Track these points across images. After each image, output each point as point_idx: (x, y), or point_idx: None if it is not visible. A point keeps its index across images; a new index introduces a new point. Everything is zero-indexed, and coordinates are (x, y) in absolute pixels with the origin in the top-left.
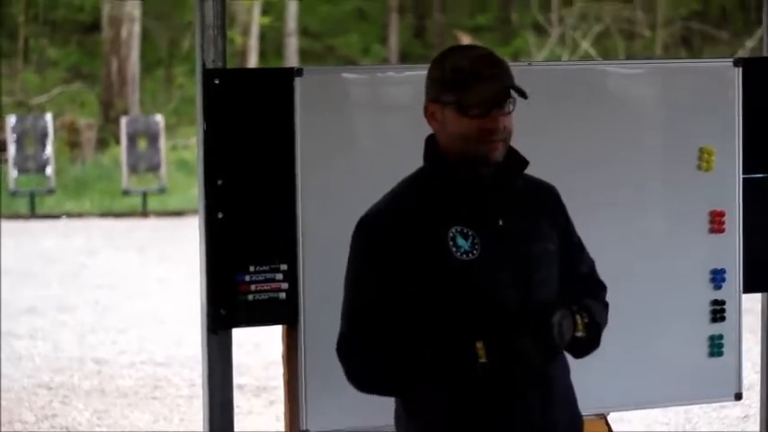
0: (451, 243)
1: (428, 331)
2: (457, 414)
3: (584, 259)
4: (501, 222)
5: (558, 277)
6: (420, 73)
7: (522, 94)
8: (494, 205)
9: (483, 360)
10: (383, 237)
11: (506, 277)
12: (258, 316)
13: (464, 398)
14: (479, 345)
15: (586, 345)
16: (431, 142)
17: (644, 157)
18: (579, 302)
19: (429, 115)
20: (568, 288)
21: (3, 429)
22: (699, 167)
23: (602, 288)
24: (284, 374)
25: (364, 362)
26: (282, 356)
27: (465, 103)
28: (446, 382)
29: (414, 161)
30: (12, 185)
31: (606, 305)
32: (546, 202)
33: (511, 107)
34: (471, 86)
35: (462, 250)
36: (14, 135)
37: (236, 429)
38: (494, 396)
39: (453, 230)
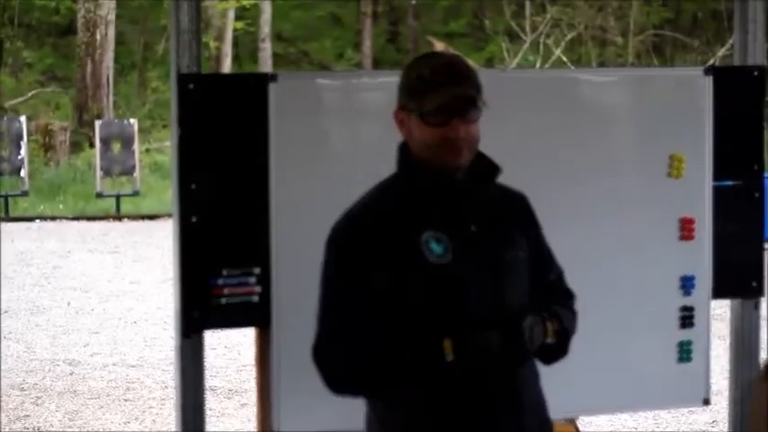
0: (425, 247)
1: (399, 332)
2: (426, 416)
3: (554, 267)
4: (473, 228)
5: (528, 284)
6: (394, 79)
7: (477, 105)
8: (466, 211)
9: (450, 357)
10: (357, 241)
11: (478, 282)
12: (231, 319)
13: (433, 400)
14: (447, 343)
15: (555, 351)
16: (403, 149)
17: (615, 164)
18: (549, 310)
19: (398, 122)
20: (538, 295)
21: None
22: (669, 174)
23: (570, 296)
24: (257, 376)
25: (339, 364)
26: (255, 359)
27: (425, 111)
28: (415, 380)
29: (387, 167)
30: None
31: (575, 313)
32: (517, 209)
33: (476, 115)
34: (429, 95)
35: (436, 254)
36: None
37: (207, 431)
38: (463, 399)
39: (426, 235)
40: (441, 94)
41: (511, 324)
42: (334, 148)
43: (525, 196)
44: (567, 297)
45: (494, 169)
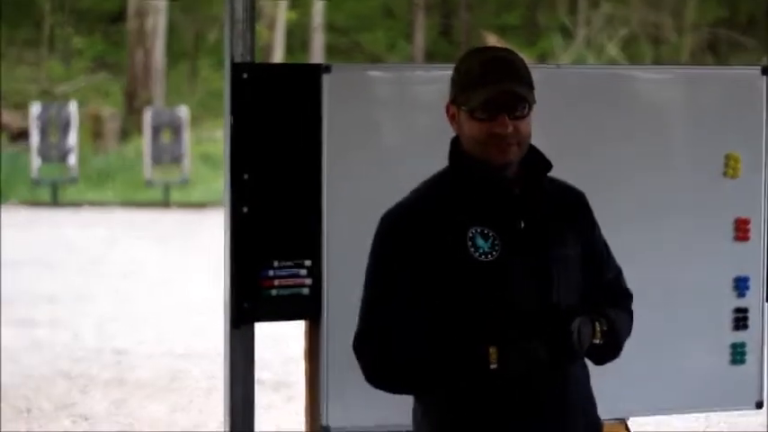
0: (470, 243)
1: (443, 331)
2: (469, 414)
3: (611, 267)
4: (522, 225)
5: (579, 284)
6: (446, 73)
7: (526, 101)
8: (516, 207)
9: (494, 366)
10: (403, 233)
11: (524, 281)
12: (281, 311)
13: (476, 399)
14: (492, 350)
15: (605, 352)
16: (455, 143)
17: (670, 164)
18: (600, 310)
19: (450, 116)
20: (593, 295)
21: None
22: (725, 174)
23: (627, 296)
24: (306, 370)
25: (381, 359)
26: (304, 352)
27: (472, 105)
28: (457, 383)
29: (440, 160)
30: (34, 174)
31: (631, 314)
32: (572, 207)
33: (524, 111)
34: (477, 89)
35: (481, 251)
36: (38, 123)
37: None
38: (507, 398)
39: (473, 230)
40: (488, 89)
41: (558, 327)
42: (387, 140)
43: (582, 194)
44: (623, 297)
45: (545, 165)
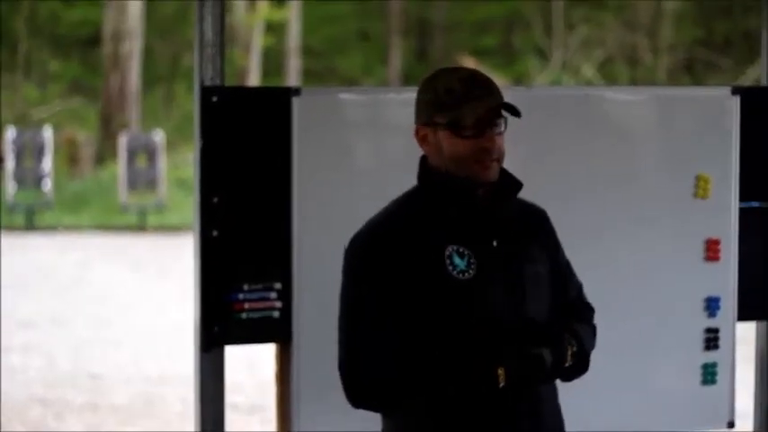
0: (448, 262)
1: (432, 350)
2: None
3: (573, 282)
4: (495, 243)
5: (549, 300)
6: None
7: (515, 112)
8: (488, 226)
9: (502, 384)
10: (378, 253)
11: (502, 298)
12: (251, 334)
13: (455, 416)
14: (501, 371)
15: (573, 371)
16: (425, 163)
17: (640, 184)
18: (570, 328)
19: (420, 138)
20: (558, 311)
21: None
22: (695, 195)
23: (590, 310)
24: (276, 392)
25: (365, 382)
26: (275, 375)
27: (459, 123)
28: (462, 401)
29: (410, 182)
30: (10, 199)
31: (594, 328)
32: (537, 225)
33: (503, 127)
34: (464, 107)
35: (459, 269)
36: (14, 148)
37: None
38: (484, 415)
39: (450, 249)
40: (475, 105)
41: (557, 342)
42: (358, 163)
43: (544, 211)
44: (586, 311)
45: (516, 185)
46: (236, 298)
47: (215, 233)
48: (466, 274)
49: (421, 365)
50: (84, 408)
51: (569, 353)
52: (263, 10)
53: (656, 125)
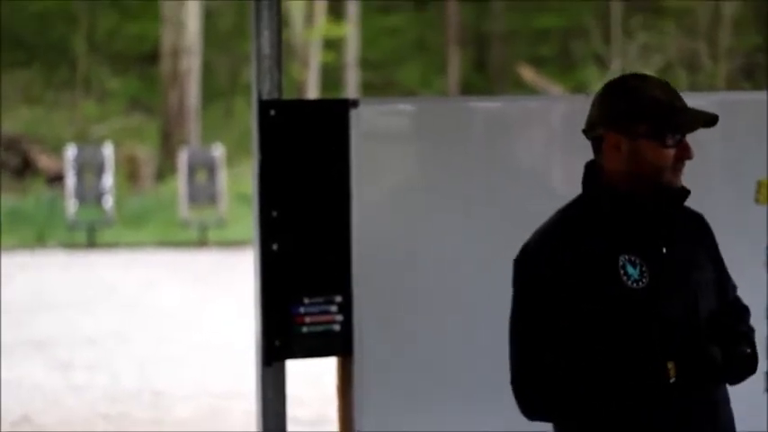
0: (622, 272)
1: (612, 355)
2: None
3: (731, 284)
4: (665, 251)
5: (716, 304)
6: (478, 105)
7: (715, 121)
8: (657, 233)
9: (673, 379)
10: (552, 263)
11: (675, 306)
12: (312, 347)
13: (630, 418)
14: (671, 365)
15: (743, 372)
16: (593, 170)
17: (701, 189)
18: (738, 329)
19: (610, 146)
20: (724, 313)
21: None
22: (756, 200)
23: (747, 312)
24: (338, 406)
25: (542, 392)
26: (337, 388)
27: (665, 132)
28: (636, 402)
29: (470, 192)
30: (71, 216)
31: (753, 329)
32: (699, 230)
33: None
34: (670, 116)
35: (633, 279)
36: (74, 165)
37: None
38: (658, 417)
39: (623, 259)
40: (680, 114)
41: (726, 338)
42: (415, 174)
43: (702, 215)
44: (744, 312)
45: (684, 192)
46: (297, 311)
47: (275, 247)
48: (640, 283)
49: (595, 372)
50: (147, 423)
51: (739, 353)
52: (322, 26)
53: (716, 130)
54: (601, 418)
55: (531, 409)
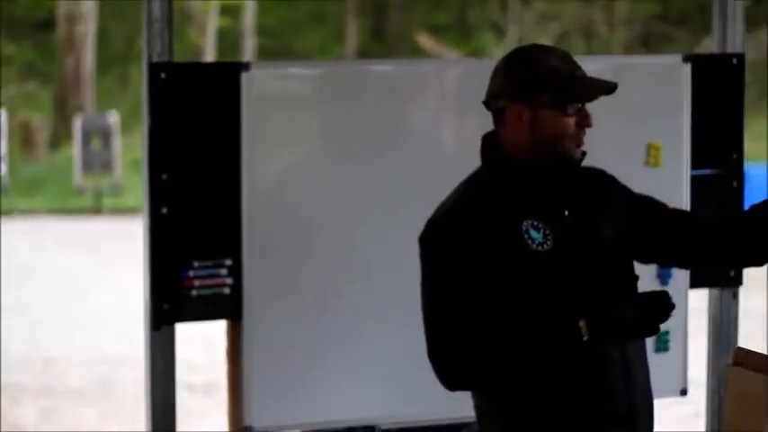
0: (526, 236)
1: (524, 319)
2: (554, 396)
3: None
4: (567, 213)
5: (631, 259)
6: (372, 68)
7: (614, 89)
8: (558, 197)
9: (586, 338)
10: (459, 234)
11: (583, 266)
12: (202, 311)
13: (548, 381)
14: (582, 323)
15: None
16: (490, 141)
17: (593, 152)
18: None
19: (512, 117)
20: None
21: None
22: (647, 163)
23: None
24: (227, 370)
25: (460, 363)
26: (226, 352)
27: (566, 102)
28: (550, 363)
29: (360, 159)
30: None
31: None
32: (601, 185)
33: None
34: (571, 85)
35: (537, 242)
36: None
37: (184, 428)
38: (577, 377)
39: (526, 224)
40: (579, 83)
41: (634, 295)
42: (307, 138)
43: (602, 169)
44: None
45: (583, 154)
46: (187, 275)
47: (164, 210)
48: (544, 246)
49: (509, 335)
50: (39, 392)
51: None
52: None
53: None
54: (518, 383)
55: (449, 381)
